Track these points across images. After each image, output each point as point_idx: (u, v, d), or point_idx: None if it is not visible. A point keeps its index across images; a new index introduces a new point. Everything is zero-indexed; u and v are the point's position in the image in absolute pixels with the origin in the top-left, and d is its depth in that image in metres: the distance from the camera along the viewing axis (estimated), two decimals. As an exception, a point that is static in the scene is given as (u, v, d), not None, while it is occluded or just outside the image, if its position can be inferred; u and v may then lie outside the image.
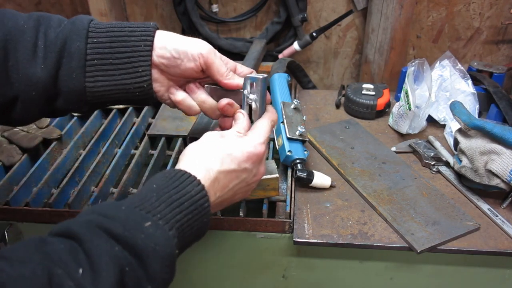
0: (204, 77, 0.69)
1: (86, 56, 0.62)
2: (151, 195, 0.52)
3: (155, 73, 0.66)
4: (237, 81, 0.68)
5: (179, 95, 0.69)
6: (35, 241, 0.44)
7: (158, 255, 0.47)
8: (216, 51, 0.68)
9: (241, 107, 0.69)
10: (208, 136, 0.63)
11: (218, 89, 0.70)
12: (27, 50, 0.60)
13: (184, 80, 0.69)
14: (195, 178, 0.55)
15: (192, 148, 0.61)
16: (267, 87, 0.69)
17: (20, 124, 0.67)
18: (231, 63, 0.71)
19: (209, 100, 0.69)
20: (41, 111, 0.65)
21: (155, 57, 0.65)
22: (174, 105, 0.71)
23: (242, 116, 0.67)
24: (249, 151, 0.62)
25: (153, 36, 0.64)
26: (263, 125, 0.66)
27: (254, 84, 0.67)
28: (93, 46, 0.62)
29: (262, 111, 0.69)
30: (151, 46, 0.64)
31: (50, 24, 0.62)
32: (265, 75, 0.68)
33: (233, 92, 0.69)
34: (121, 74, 0.63)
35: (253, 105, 0.68)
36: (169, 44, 0.65)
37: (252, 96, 0.68)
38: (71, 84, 0.62)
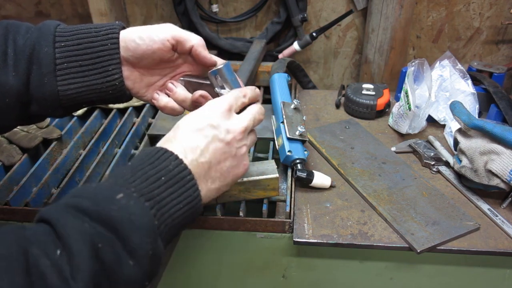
0: (176, 59, 0.69)
1: (55, 60, 0.62)
2: (125, 173, 0.51)
3: (126, 70, 0.66)
4: (213, 58, 0.69)
5: (162, 100, 0.70)
6: (14, 226, 0.45)
7: (134, 225, 0.46)
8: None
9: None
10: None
11: (193, 83, 0.70)
12: None
13: (159, 72, 0.70)
14: (171, 153, 0.54)
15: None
16: (232, 70, 0.69)
17: None
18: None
19: (188, 97, 0.70)
20: (16, 118, 0.65)
21: (123, 52, 0.65)
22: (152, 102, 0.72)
23: None
24: (210, 107, 0.61)
25: (118, 33, 0.65)
26: (230, 92, 0.66)
27: (219, 76, 0.68)
28: (61, 50, 0.62)
29: None
30: (118, 43, 0.64)
31: (18, 31, 0.62)
32: (226, 61, 0.69)
33: (208, 84, 0.70)
34: (92, 74, 0.64)
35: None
36: (132, 34, 0.65)
37: (224, 91, 0.68)
38: (44, 89, 0.62)
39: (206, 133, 0.58)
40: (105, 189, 0.48)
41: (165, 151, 0.54)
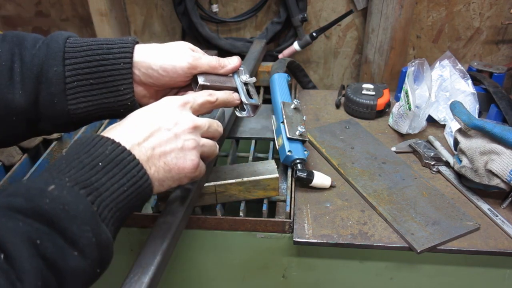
0: (190, 79, 0.69)
1: (65, 79, 0.60)
2: (60, 163, 0.49)
3: (139, 89, 0.66)
4: (233, 61, 0.69)
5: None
6: None
7: (70, 215, 0.44)
8: (194, 48, 0.69)
9: (237, 90, 0.70)
10: None
11: (215, 86, 0.69)
12: (3, 75, 0.59)
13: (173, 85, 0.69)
14: (108, 139, 0.52)
15: None
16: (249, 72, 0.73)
17: (3, 146, 0.67)
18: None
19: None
20: (24, 134, 0.64)
21: (141, 76, 0.64)
22: None
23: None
24: (162, 100, 0.60)
25: (132, 53, 0.63)
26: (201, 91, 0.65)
27: (242, 69, 0.72)
28: (71, 68, 0.61)
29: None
30: (131, 63, 0.63)
31: (24, 46, 0.60)
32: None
33: (229, 87, 0.70)
34: (103, 93, 0.63)
35: (250, 79, 0.71)
36: (153, 63, 0.64)
37: (244, 77, 0.71)
38: (54, 109, 0.61)
39: (152, 122, 0.57)
40: (37, 183, 0.46)
41: (101, 138, 0.52)
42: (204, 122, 0.62)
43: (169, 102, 0.60)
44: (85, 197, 0.47)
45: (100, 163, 0.50)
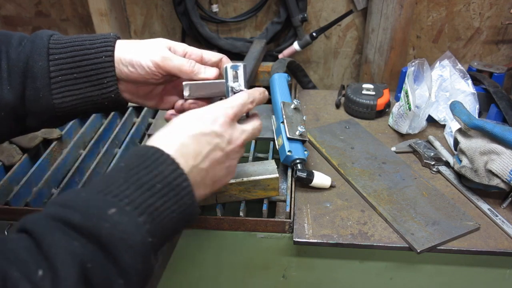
0: (172, 78, 0.68)
1: (50, 74, 0.61)
2: (118, 177, 0.48)
3: (123, 85, 0.66)
4: (209, 73, 0.67)
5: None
6: None
7: (127, 245, 0.44)
8: (175, 46, 0.67)
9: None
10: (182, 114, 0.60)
11: (199, 84, 0.67)
12: None
13: (156, 82, 0.67)
14: (168, 156, 0.51)
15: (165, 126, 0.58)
16: (248, 74, 0.68)
17: None
18: (194, 53, 0.68)
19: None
20: (12, 130, 0.65)
21: (117, 72, 0.64)
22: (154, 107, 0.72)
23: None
24: (215, 113, 0.58)
25: (113, 47, 0.64)
26: (239, 95, 0.63)
27: (237, 72, 0.66)
28: (55, 63, 0.62)
29: None
30: (112, 56, 0.63)
31: (10, 43, 0.62)
32: (245, 63, 0.68)
33: (214, 84, 0.67)
34: (87, 86, 0.63)
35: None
36: (123, 58, 0.64)
37: (235, 84, 0.66)
38: (39, 103, 0.62)
39: (209, 140, 0.56)
40: (97, 201, 0.46)
41: (162, 153, 0.51)
42: (250, 135, 0.63)
43: (224, 114, 0.59)
44: (142, 225, 0.46)
45: (158, 184, 0.49)
